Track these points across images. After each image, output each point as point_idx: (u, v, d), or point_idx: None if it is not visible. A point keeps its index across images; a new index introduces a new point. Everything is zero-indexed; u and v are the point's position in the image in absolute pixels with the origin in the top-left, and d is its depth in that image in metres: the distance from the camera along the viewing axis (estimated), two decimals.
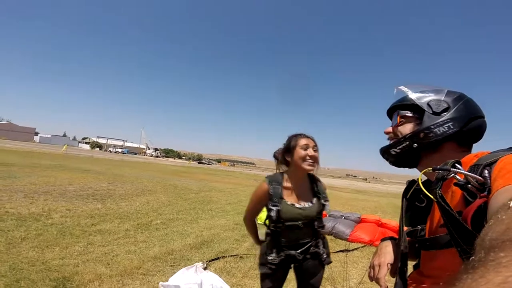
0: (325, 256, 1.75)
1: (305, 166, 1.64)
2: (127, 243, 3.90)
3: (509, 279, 0.24)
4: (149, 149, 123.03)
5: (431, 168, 0.75)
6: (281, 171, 1.81)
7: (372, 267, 0.94)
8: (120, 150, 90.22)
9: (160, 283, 2.72)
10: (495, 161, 0.63)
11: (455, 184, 0.66)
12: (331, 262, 1.82)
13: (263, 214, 5.39)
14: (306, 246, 1.70)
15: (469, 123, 0.81)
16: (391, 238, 1.00)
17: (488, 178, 0.61)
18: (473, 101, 0.86)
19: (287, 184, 1.70)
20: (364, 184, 60.24)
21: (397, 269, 0.85)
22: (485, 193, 0.59)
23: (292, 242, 1.68)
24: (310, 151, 1.64)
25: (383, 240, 1.01)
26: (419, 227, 0.88)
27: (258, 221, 6.26)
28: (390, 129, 0.96)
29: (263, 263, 1.74)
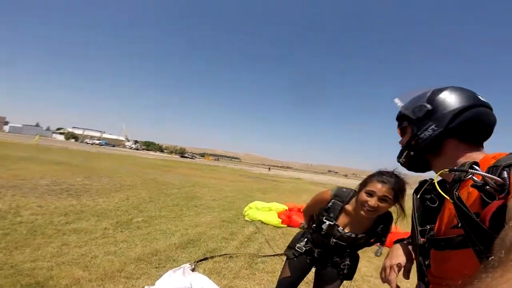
0: (345, 271, 1.83)
1: (361, 211, 1.60)
2: (106, 243, 3.73)
3: None
4: (128, 141, 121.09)
5: (447, 170, 0.77)
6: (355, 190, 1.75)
7: (383, 269, 1.00)
8: (97, 142, 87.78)
9: (146, 287, 2.60)
10: None
11: (473, 186, 0.67)
12: (350, 279, 1.89)
13: (251, 211, 5.48)
14: (331, 251, 1.83)
15: (457, 118, 0.83)
16: (401, 240, 1.07)
17: (507, 179, 0.62)
18: (465, 91, 0.87)
19: (349, 207, 1.72)
20: (344, 180, 63.76)
21: (418, 267, 0.88)
22: (504, 194, 0.60)
23: (322, 244, 1.83)
24: (372, 202, 1.54)
25: (395, 242, 1.07)
26: (428, 227, 0.90)
27: (246, 218, 6.25)
28: (400, 141, 1.03)
29: (290, 246, 1.99)
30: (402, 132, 1.00)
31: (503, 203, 0.60)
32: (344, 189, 1.79)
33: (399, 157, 1.00)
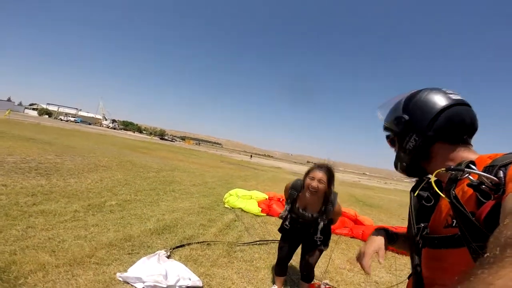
0: (318, 242, 2.52)
1: (307, 192, 2.37)
2: (75, 227, 3.61)
3: None
4: (106, 120, 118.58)
5: (444, 169, 0.80)
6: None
7: (361, 254, 1.05)
8: (72, 119, 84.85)
9: (118, 274, 2.55)
10: (510, 162, 0.66)
11: (468, 185, 0.69)
12: (325, 246, 2.67)
13: (231, 198, 5.59)
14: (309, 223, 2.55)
15: (433, 123, 0.86)
16: (383, 229, 1.12)
17: (503, 179, 0.63)
18: (436, 93, 0.90)
19: (302, 194, 2.48)
20: None
21: (412, 266, 0.92)
22: (499, 193, 0.62)
23: (299, 221, 2.60)
24: (313, 183, 2.31)
25: (375, 230, 1.13)
26: (422, 225, 0.91)
27: (226, 205, 6.28)
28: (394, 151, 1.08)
29: (281, 226, 2.82)
30: (392, 143, 1.05)
31: (497, 202, 0.62)
32: (298, 181, 2.56)
33: (395, 166, 1.05)
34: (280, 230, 2.87)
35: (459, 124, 0.86)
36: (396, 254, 4.88)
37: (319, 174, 2.32)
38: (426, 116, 0.88)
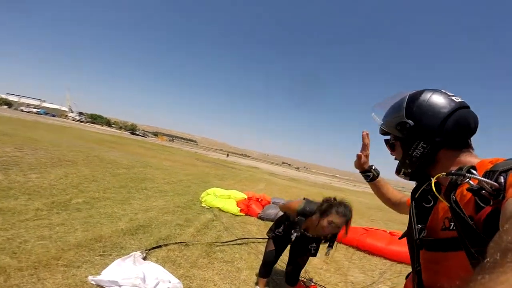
0: (312, 251, 2.48)
1: (321, 232, 2.31)
2: (39, 227, 3.37)
3: None
4: (72, 112, 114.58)
5: (445, 173, 0.82)
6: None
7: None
8: (34, 110, 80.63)
9: (90, 277, 2.39)
10: (511, 168, 0.67)
11: (468, 189, 0.71)
12: (314, 256, 2.56)
13: (208, 197, 5.48)
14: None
15: (441, 129, 0.86)
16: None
17: (503, 185, 0.65)
18: (439, 96, 0.90)
19: (310, 220, 2.35)
20: (296, 173, 69.80)
21: (413, 268, 0.92)
22: (499, 199, 0.64)
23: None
24: (332, 229, 2.23)
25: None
26: (420, 226, 0.92)
27: (203, 204, 6.16)
28: (391, 154, 1.08)
29: (272, 229, 2.80)
30: (391, 147, 1.05)
31: (496, 208, 0.64)
32: (308, 207, 2.37)
33: (398, 172, 1.03)
34: (270, 235, 2.80)
35: (465, 128, 0.87)
36: (368, 255, 5.04)
37: (341, 220, 2.19)
38: (433, 121, 0.87)
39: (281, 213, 6.10)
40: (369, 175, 1.37)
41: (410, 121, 0.91)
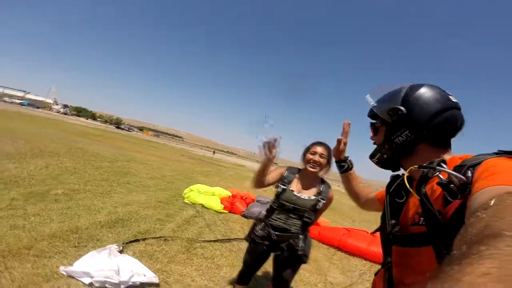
0: (300, 253, 2.13)
1: (308, 167, 2.21)
2: (12, 216, 3.29)
3: (492, 270, 0.28)
4: (57, 104, 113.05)
5: (417, 166, 0.84)
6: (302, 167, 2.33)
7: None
8: (18, 101, 78.80)
9: (61, 267, 2.34)
10: (479, 163, 0.70)
11: (438, 183, 0.74)
12: (305, 262, 2.25)
13: (192, 193, 5.37)
14: (288, 234, 2.17)
15: (431, 123, 0.88)
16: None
17: (470, 179, 0.68)
18: (437, 92, 0.92)
19: (298, 176, 2.27)
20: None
21: (385, 263, 0.94)
22: (466, 193, 0.66)
23: (279, 223, 2.19)
24: (315, 157, 2.19)
25: None
26: (393, 221, 0.94)
27: (186, 200, 6.13)
28: (371, 138, 1.10)
29: (249, 233, 2.37)
30: (375, 131, 1.06)
31: (463, 202, 0.66)
32: (291, 167, 2.37)
33: (372, 156, 1.05)
34: (246, 238, 2.41)
35: (449, 129, 0.90)
36: (349, 256, 5.13)
37: (320, 149, 2.21)
38: (424, 113, 0.89)
39: (265, 212, 6.18)
40: (344, 165, 1.41)
41: (403, 109, 0.92)
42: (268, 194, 10.57)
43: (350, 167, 1.41)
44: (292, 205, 2.15)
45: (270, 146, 1.86)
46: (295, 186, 2.22)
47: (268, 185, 2.22)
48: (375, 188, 1.46)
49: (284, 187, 2.18)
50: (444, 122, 0.88)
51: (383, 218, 1.01)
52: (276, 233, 2.18)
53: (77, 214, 3.85)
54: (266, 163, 1.99)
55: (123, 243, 3.14)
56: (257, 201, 7.00)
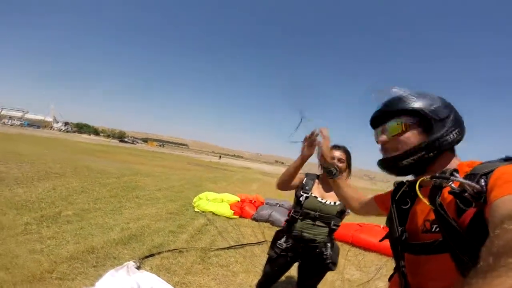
0: (328, 261, 2.06)
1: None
2: (29, 241, 3.39)
3: None
4: (57, 122, 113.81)
5: (429, 177, 0.82)
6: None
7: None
8: (18, 122, 79.55)
9: None
10: (491, 171, 0.70)
11: (450, 192, 0.73)
12: (333, 269, 2.16)
13: (201, 202, 5.38)
14: (314, 244, 2.04)
15: (463, 128, 0.91)
16: None
17: (484, 187, 0.67)
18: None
19: (320, 182, 2.15)
20: None
21: (399, 269, 0.92)
22: (481, 201, 0.66)
23: (305, 234, 2.03)
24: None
25: None
26: (400, 229, 0.93)
27: (196, 209, 6.18)
28: (386, 138, 0.98)
29: (271, 246, 2.20)
30: (405, 128, 0.93)
31: (480, 210, 0.66)
32: (310, 172, 2.22)
33: (404, 157, 0.92)
34: (270, 253, 2.21)
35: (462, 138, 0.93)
36: (363, 251, 5.15)
37: (338, 153, 2.06)
38: (461, 120, 0.93)
39: (274, 214, 6.25)
40: (332, 170, 1.37)
41: (447, 110, 0.91)
42: (277, 195, 10.64)
43: (339, 172, 1.38)
44: (318, 213, 2.02)
45: (310, 141, 1.58)
46: (317, 191, 2.10)
47: (292, 189, 2.11)
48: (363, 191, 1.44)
49: (307, 194, 2.05)
50: (463, 131, 0.92)
51: (390, 224, 1.00)
52: (302, 245, 2.06)
53: (91, 234, 3.94)
54: (299, 162, 1.79)
55: (139, 259, 3.22)
56: (266, 204, 7.14)
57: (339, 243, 5.15)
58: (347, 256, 4.84)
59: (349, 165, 2.11)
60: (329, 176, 1.37)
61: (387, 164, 0.98)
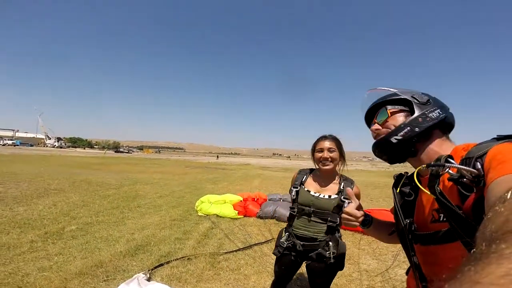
0: (331, 261, 1.93)
1: (321, 166, 2.03)
2: (37, 258, 3.42)
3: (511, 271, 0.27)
4: (49, 139, 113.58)
5: (425, 165, 0.86)
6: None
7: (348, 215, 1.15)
8: (10, 142, 79.00)
9: None
10: (485, 153, 0.71)
11: (450, 179, 0.74)
12: (341, 269, 2.05)
13: (203, 205, 5.38)
14: (315, 242, 1.99)
15: (447, 110, 0.96)
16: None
17: (481, 171, 0.68)
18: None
19: (313, 176, 2.11)
20: (288, 162, 71.68)
21: (411, 262, 0.95)
22: (481, 185, 0.67)
23: (303, 232, 2.01)
24: (324, 154, 2.00)
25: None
26: (408, 221, 0.95)
27: (199, 213, 6.20)
28: (378, 126, 1.04)
29: (276, 245, 2.16)
30: (391, 114, 1.02)
31: (481, 195, 0.67)
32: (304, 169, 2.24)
33: (392, 134, 0.96)
34: (274, 252, 2.18)
35: (453, 123, 0.98)
36: (376, 239, 5.09)
37: (327, 143, 2.02)
38: (442, 103, 0.98)
39: (279, 209, 6.25)
40: (366, 221, 1.20)
41: (426, 96, 0.98)
42: (279, 189, 10.67)
43: (371, 218, 1.23)
44: (312, 208, 1.97)
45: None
46: (311, 185, 2.05)
47: None
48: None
49: (297, 188, 2.03)
50: (452, 116, 0.97)
51: (395, 217, 1.01)
52: (302, 243, 2.01)
53: (97, 248, 3.96)
54: None
55: (148, 270, 3.23)
56: (269, 200, 7.19)
57: (349, 232, 5.15)
58: (359, 245, 4.77)
59: (341, 153, 2.06)
60: (364, 226, 1.20)
61: (379, 146, 1.02)
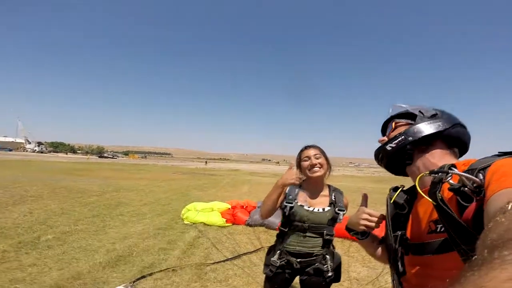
0: (329, 274, 1.92)
1: (311, 174, 1.98)
2: (9, 270, 3.27)
3: None
4: (29, 143, 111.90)
5: (428, 172, 0.87)
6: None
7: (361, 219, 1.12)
8: None
9: None
10: (488, 166, 0.73)
11: (450, 189, 0.76)
12: (337, 281, 2.02)
13: (190, 213, 5.26)
14: (311, 258, 1.93)
15: (455, 127, 0.98)
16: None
17: (483, 181, 0.70)
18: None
19: (303, 189, 2.04)
20: (278, 167, 72.41)
21: (392, 274, 0.98)
22: (481, 195, 0.68)
23: (299, 249, 1.93)
24: (312, 160, 1.98)
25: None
26: (399, 233, 0.96)
27: (186, 221, 6.08)
28: (384, 138, 1.12)
29: (266, 264, 2.04)
30: (396, 127, 1.09)
31: (481, 204, 0.67)
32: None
33: (388, 142, 1.05)
34: (265, 272, 2.04)
35: (464, 141, 1.01)
36: None
37: (311, 151, 2.02)
38: (453, 120, 0.99)
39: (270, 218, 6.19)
40: (365, 232, 1.21)
41: (434, 111, 1.02)
42: (264, 196, 10.58)
43: (366, 236, 1.22)
44: (307, 224, 1.91)
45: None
46: (302, 199, 1.99)
47: (276, 209, 1.99)
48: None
49: (291, 204, 1.93)
50: (462, 132, 1.00)
51: (386, 231, 1.03)
52: (298, 260, 1.94)
53: (75, 258, 3.80)
54: (282, 190, 1.90)
55: (130, 283, 3.10)
56: (259, 207, 7.01)
57: (338, 240, 5.12)
58: (349, 252, 4.73)
59: (326, 159, 2.06)
60: (361, 238, 1.20)
61: (378, 151, 1.11)
